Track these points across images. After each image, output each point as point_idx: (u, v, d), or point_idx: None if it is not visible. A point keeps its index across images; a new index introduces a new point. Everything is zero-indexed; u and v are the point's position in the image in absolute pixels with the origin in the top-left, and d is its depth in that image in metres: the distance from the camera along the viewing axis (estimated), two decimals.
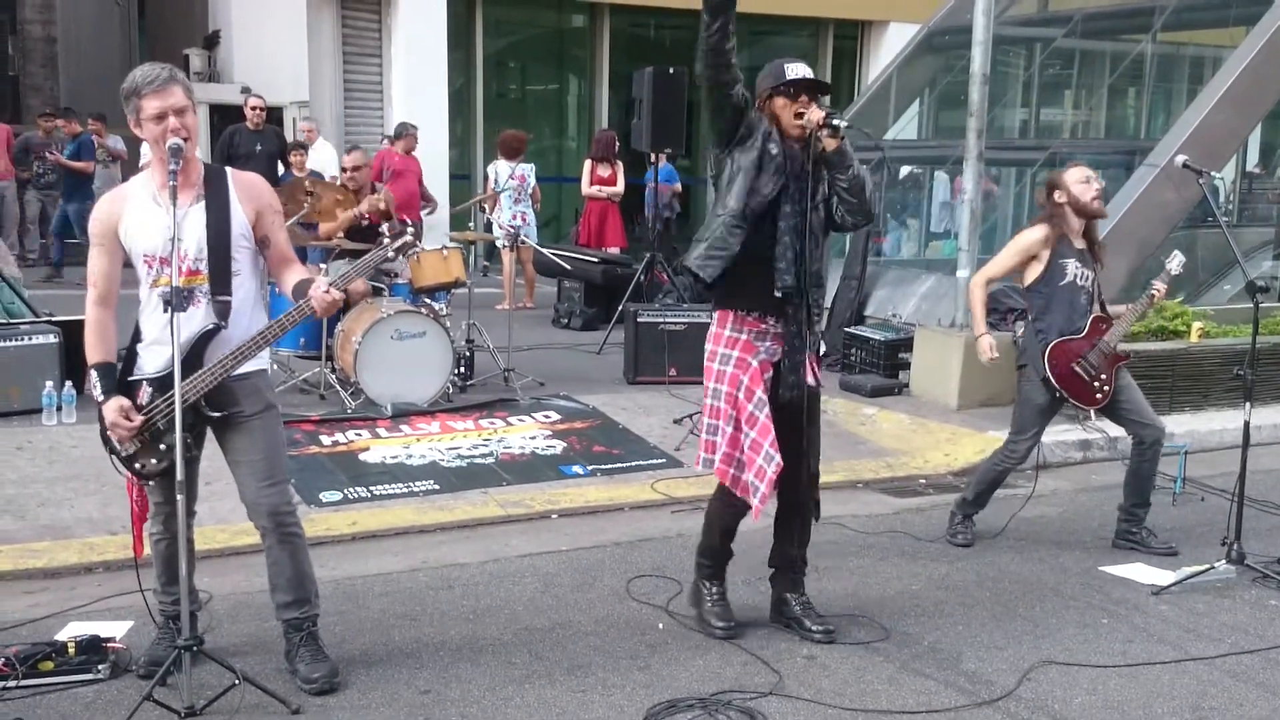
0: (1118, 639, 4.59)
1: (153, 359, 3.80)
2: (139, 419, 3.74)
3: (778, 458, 4.15)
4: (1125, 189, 9.12)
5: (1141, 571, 5.32)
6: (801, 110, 4.12)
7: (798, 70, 4.18)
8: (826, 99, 4.26)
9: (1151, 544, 5.59)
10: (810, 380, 4.33)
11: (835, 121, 4.07)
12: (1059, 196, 5.47)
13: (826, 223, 4.32)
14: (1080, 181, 5.46)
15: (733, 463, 4.30)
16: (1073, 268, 5.45)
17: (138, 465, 3.82)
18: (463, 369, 8.28)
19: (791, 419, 4.29)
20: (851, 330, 9.37)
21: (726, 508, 4.46)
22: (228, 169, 3.95)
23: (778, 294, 4.17)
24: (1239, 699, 4.09)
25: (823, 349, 4.32)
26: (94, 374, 3.78)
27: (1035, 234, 5.51)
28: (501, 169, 11.90)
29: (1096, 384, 5.47)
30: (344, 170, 8.64)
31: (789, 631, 4.53)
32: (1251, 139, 13.38)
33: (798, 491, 4.41)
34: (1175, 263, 5.78)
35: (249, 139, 11.84)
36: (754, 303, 4.25)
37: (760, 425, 4.20)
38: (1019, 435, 5.59)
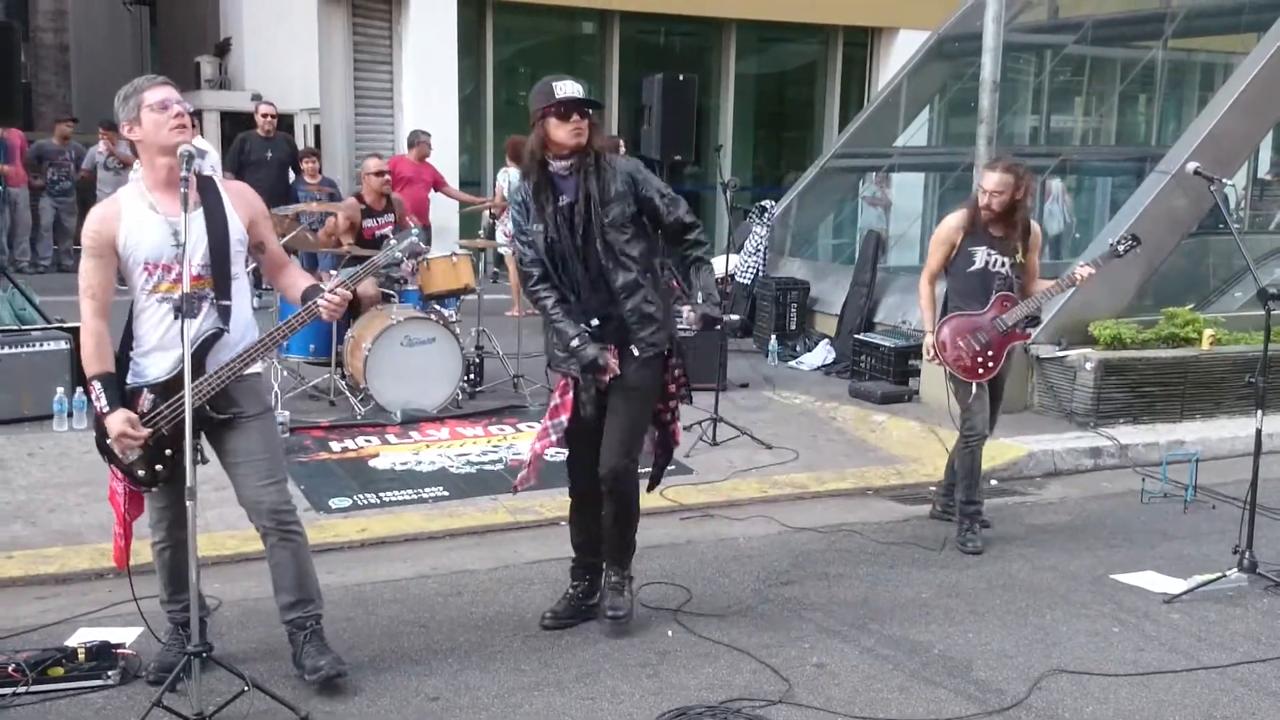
0: (1129, 647, 4.57)
1: (154, 365, 3.80)
2: (145, 431, 3.75)
3: (549, 439, 4.50)
4: (1136, 196, 9.09)
5: (1153, 579, 5.30)
6: (578, 129, 4.24)
7: (566, 89, 4.25)
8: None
9: (968, 540, 5.68)
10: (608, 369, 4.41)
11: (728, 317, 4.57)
12: (976, 189, 5.75)
13: (627, 233, 4.36)
14: (984, 187, 5.60)
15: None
16: (982, 255, 5.63)
17: (140, 473, 3.82)
18: (472, 375, 8.29)
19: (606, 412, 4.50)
20: (861, 337, 9.37)
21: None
22: (215, 178, 3.99)
23: (590, 326, 4.40)
24: (1251, 708, 4.08)
25: (645, 354, 4.47)
26: (97, 385, 3.75)
27: (950, 222, 5.75)
28: (514, 175, 11.90)
29: (981, 359, 5.65)
30: (373, 175, 8.56)
31: (795, 639, 4.52)
32: (1263, 145, 13.35)
33: (605, 467, 4.51)
34: (1122, 246, 5.76)
35: (260, 146, 11.87)
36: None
37: (549, 411, 4.57)
38: (965, 414, 5.75)
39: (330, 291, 3.80)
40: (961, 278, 5.73)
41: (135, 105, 3.70)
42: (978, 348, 5.64)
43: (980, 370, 5.67)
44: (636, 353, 4.41)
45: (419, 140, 12.05)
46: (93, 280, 3.76)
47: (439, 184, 12.06)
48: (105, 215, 3.78)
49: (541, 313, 4.52)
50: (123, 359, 3.84)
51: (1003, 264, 5.64)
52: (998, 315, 5.65)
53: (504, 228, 11.20)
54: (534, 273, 4.42)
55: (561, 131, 4.24)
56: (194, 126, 3.87)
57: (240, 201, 3.92)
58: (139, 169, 3.89)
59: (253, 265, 4.35)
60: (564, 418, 4.49)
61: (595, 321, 4.39)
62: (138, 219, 3.75)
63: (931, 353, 5.78)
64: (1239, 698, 4.15)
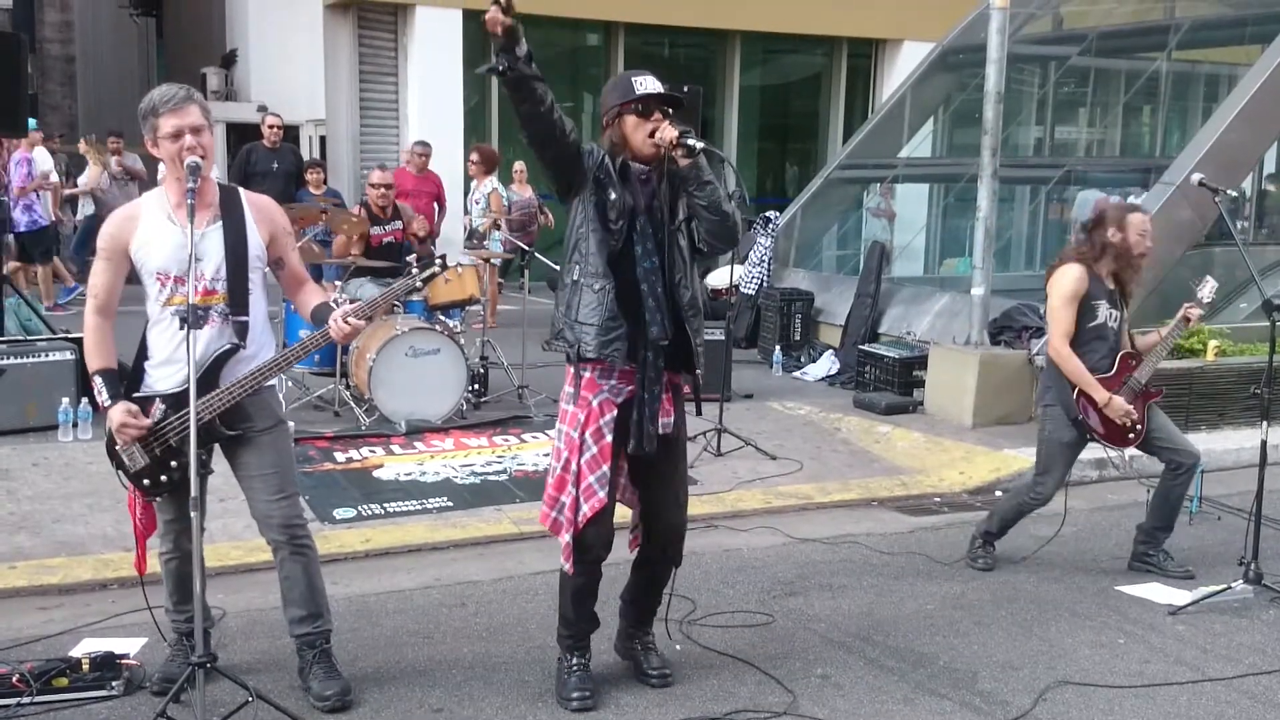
0: (1134, 659, 4.56)
1: (166, 377, 3.81)
2: (147, 420, 3.75)
3: (597, 498, 3.87)
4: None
5: (1158, 591, 5.29)
6: (654, 128, 3.78)
7: (647, 84, 3.83)
8: (696, 131, 3.94)
9: (1168, 567, 5.51)
10: (665, 422, 3.97)
11: (690, 141, 3.71)
12: (1112, 235, 5.25)
13: (692, 249, 3.96)
14: (1140, 232, 5.24)
15: (555, 505, 3.98)
16: (1104, 309, 5.28)
17: (146, 482, 3.82)
18: (477, 386, 8.30)
19: (654, 464, 4.01)
20: (866, 348, 9.36)
21: (567, 567, 4.04)
22: (241, 190, 3.97)
23: (659, 340, 3.87)
24: None
25: (686, 381, 4.05)
26: (98, 379, 3.77)
27: (1073, 273, 5.26)
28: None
29: (1129, 424, 5.33)
30: (374, 188, 8.60)
31: (800, 651, 4.51)
32: (1268, 156, 13.34)
33: (652, 539, 4.15)
34: (1207, 289, 5.57)
35: (266, 157, 11.90)
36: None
37: (587, 462, 3.88)
38: (1044, 475, 5.43)
39: (344, 319, 3.74)
40: (1084, 332, 5.27)
41: (151, 129, 3.71)
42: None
43: (1131, 435, 5.33)
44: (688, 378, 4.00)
45: (415, 152, 12.06)
46: (98, 281, 3.80)
47: (440, 199, 11.97)
48: (123, 219, 3.81)
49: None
50: (137, 370, 3.85)
51: (1116, 318, 5.31)
52: (1128, 374, 5.31)
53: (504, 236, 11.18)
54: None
55: (640, 133, 3.81)
56: (210, 131, 3.82)
57: (262, 216, 3.90)
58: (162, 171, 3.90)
59: None
60: (606, 468, 3.89)
61: (665, 341, 3.88)
62: (154, 228, 3.76)
63: (1130, 412, 5.25)
64: (1244, 710, 4.14)
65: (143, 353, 3.86)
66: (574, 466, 3.89)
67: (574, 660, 4.12)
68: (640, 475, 4.09)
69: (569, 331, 3.90)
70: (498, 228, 10.14)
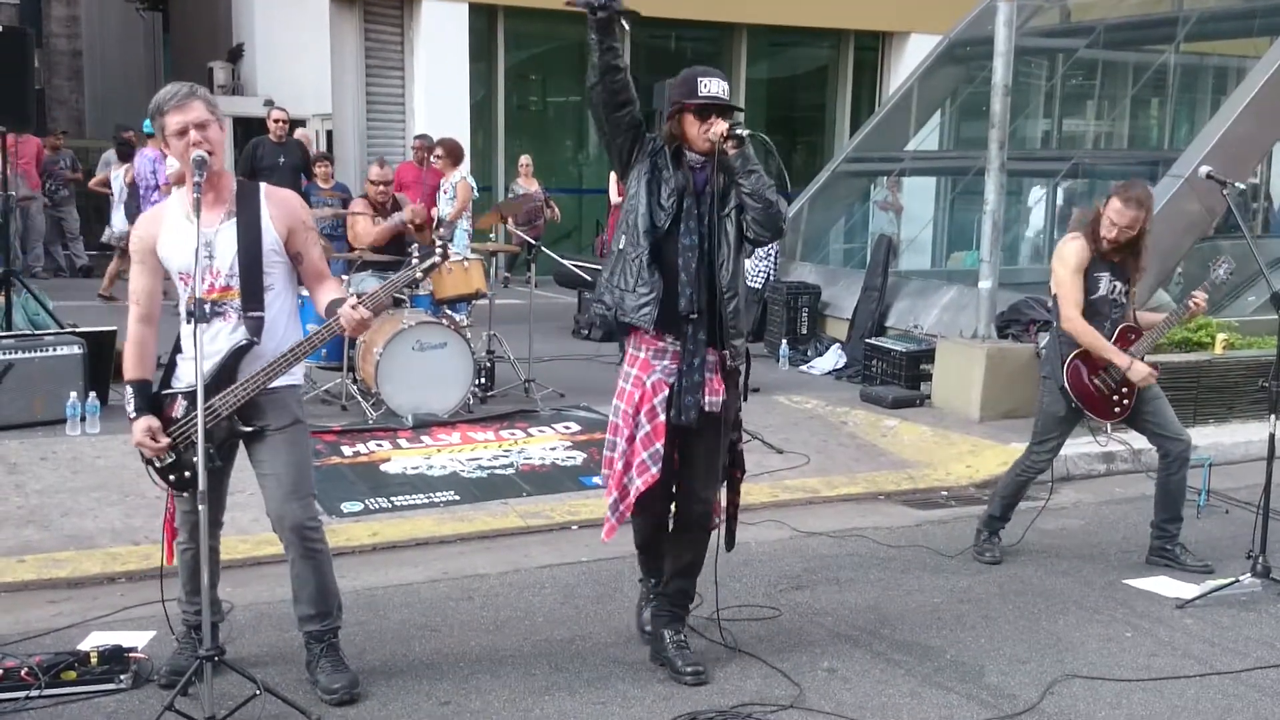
0: (1142, 653, 4.55)
1: (187, 372, 3.82)
2: (165, 441, 3.78)
3: (650, 473, 4.05)
4: None
5: (1166, 585, 5.28)
6: (709, 127, 3.97)
7: (711, 87, 4.00)
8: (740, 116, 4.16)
9: (1186, 561, 5.50)
10: (712, 400, 4.12)
11: (739, 131, 3.94)
12: (1099, 211, 5.32)
13: (739, 235, 4.11)
14: (1112, 217, 5.23)
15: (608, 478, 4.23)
16: (1105, 282, 5.33)
17: (172, 477, 3.85)
18: (483, 380, 8.30)
19: (692, 440, 4.18)
20: (873, 341, 9.35)
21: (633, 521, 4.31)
22: (262, 185, 3.96)
23: (688, 314, 4.03)
24: (1264, 714, 4.05)
25: (737, 363, 4.20)
26: (129, 390, 3.82)
27: (1074, 246, 5.34)
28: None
29: (1116, 397, 5.39)
30: (373, 184, 8.64)
31: (807, 644, 4.51)
32: (1277, 149, 13.31)
33: (690, 513, 4.27)
34: (1222, 269, 5.57)
35: (272, 151, 11.90)
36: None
37: (641, 439, 4.08)
38: (1039, 446, 5.54)
39: (352, 308, 3.75)
40: (1086, 304, 5.33)
41: (160, 129, 3.75)
42: (1113, 384, 5.40)
43: (1116, 409, 5.39)
44: (730, 360, 4.14)
45: (415, 146, 12.04)
46: (136, 285, 3.84)
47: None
48: (149, 221, 3.86)
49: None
50: (172, 361, 3.90)
51: (1119, 290, 5.35)
52: (1127, 348, 5.35)
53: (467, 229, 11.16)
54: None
55: (695, 129, 4.01)
56: (220, 126, 3.84)
57: (280, 211, 3.88)
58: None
59: None
60: (659, 445, 4.08)
61: (693, 315, 4.04)
62: (175, 229, 3.78)
63: (1153, 373, 5.33)
64: (1252, 703, 4.13)
65: (177, 347, 3.91)
66: (624, 444, 4.11)
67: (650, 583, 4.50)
68: (681, 451, 4.24)
69: (608, 295, 4.10)
70: (504, 222, 10.11)
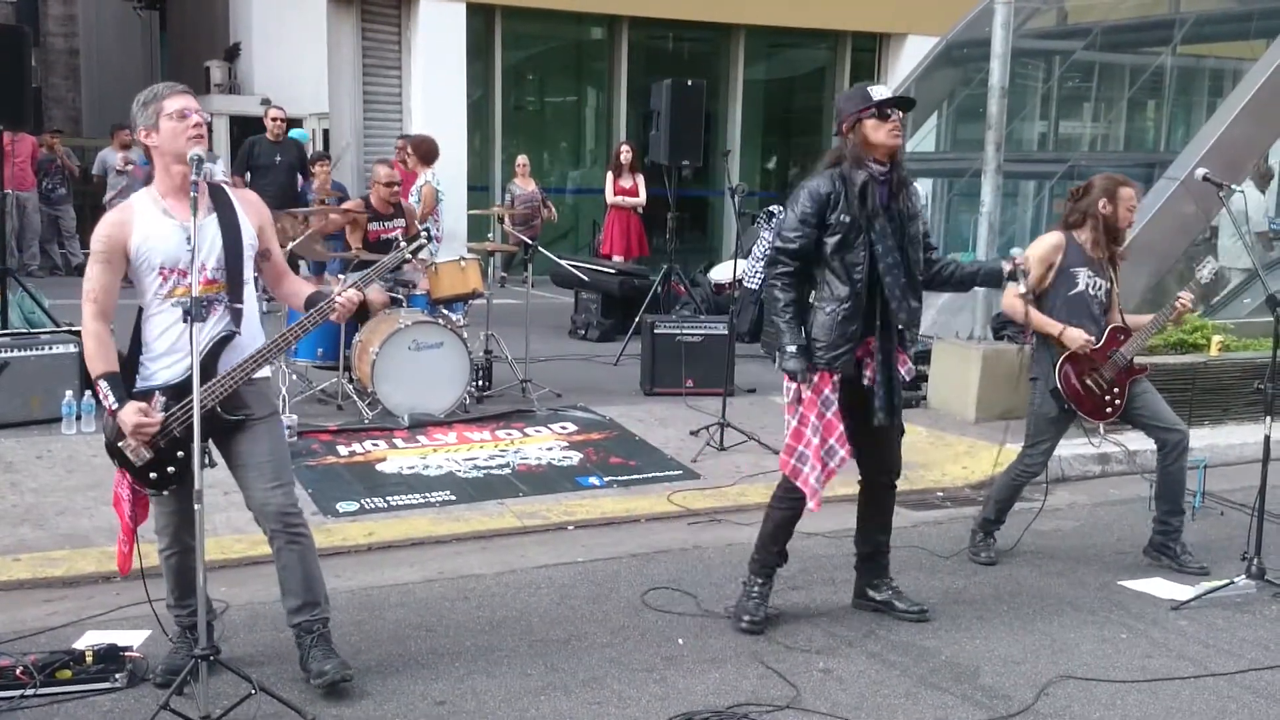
0: (1137, 654, 4.56)
1: (166, 368, 3.82)
2: (159, 416, 3.76)
3: (842, 453, 4.43)
4: (1145, 202, 9.08)
5: (1161, 586, 5.29)
6: (893, 127, 4.34)
7: (881, 91, 4.37)
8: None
9: (1185, 561, 5.50)
10: (909, 368, 4.62)
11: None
12: (1103, 206, 5.31)
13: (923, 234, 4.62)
14: (1129, 207, 5.33)
15: (794, 454, 4.48)
16: (1084, 276, 5.36)
17: (153, 476, 3.82)
18: (480, 380, 8.30)
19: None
20: None
21: (780, 501, 4.66)
22: (224, 185, 4.02)
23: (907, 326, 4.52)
24: (1259, 715, 4.06)
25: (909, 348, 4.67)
26: (104, 384, 3.75)
27: (1049, 240, 5.42)
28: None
29: (1107, 397, 5.39)
30: (387, 186, 8.56)
31: (807, 644, 4.52)
32: (1273, 151, 13.34)
33: (879, 478, 4.76)
34: (1206, 270, 5.60)
35: (269, 150, 11.90)
36: None
37: (826, 421, 4.42)
38: (1032, 448, 5.54)
39: (340, 292, 3.83)
40: (1063, 301, 5.35)
41: (154, 113, 3.75)
42: (1104, 384, 5.38)
43: (1108, 409, 5.40)
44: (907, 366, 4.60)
45: (398, 146, 12.00)
46: (97, 284, 3.78)
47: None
48: (118, 221, 3.80)
49: (769, 303, 4.52)
50: (131, 363, 3.85)
51: (1099, 286, 5.37)
52: (1115, 349, 5.37)
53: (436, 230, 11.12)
54: (790, 266, 4.43)
55: (881, 132, 4.33)
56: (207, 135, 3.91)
57: (250, 209, 3.98)
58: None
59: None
60: (833, 442, 4.45)
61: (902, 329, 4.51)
62: (152, 224, 3.78)
63: (1090, 341, 5.30)
64: (1247, 705, 4.14)
65: (137, 346, 3.86)
66: (815, 420, 4.43)
67: (758, 585, 4.73)
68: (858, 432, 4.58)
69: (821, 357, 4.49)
70: (501, 222, 10.11)
